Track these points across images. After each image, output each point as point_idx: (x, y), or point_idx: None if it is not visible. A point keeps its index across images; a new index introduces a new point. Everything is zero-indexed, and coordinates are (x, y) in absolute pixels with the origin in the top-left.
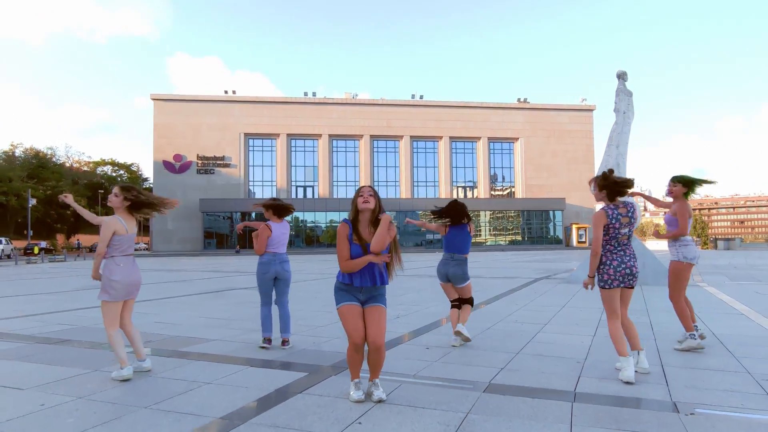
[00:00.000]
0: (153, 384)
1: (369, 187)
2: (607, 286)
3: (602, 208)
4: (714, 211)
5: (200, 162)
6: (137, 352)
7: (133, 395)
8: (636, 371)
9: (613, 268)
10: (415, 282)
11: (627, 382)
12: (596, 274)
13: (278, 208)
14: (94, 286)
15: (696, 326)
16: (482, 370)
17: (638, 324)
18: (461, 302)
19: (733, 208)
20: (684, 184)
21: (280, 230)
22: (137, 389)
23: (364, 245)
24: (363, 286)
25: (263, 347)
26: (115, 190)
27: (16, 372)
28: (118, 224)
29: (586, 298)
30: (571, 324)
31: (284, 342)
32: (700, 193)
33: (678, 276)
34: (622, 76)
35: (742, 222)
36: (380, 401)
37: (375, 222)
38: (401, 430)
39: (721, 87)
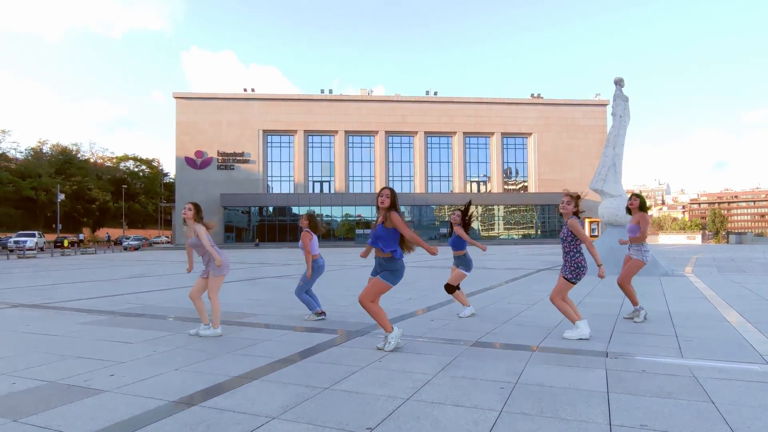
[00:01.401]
0: (226, 341)
1: (387, 188)
2: (576, 280)
3: (576, 219)
4: (734, 205)
5: (221, 158)
6: (214, 320)
7: (215, 347)
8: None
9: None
10: (428, 272)
11: (583, 339)
12: (575, 269)
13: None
14: (139, 275)
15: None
16: (472, 333)
17: (608, 305)
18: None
19: (754, 201)
20: (640, 201)
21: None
22: (216, 343)
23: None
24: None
25: (321, 319)
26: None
27: (119, 334)
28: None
29: (580, 284)
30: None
31: (321, 313)
32: (718, 187)
33: (634, 270)
34: (619, 83)
35: (762, 216)
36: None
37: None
38: (408, 365)
39: (744, 80)
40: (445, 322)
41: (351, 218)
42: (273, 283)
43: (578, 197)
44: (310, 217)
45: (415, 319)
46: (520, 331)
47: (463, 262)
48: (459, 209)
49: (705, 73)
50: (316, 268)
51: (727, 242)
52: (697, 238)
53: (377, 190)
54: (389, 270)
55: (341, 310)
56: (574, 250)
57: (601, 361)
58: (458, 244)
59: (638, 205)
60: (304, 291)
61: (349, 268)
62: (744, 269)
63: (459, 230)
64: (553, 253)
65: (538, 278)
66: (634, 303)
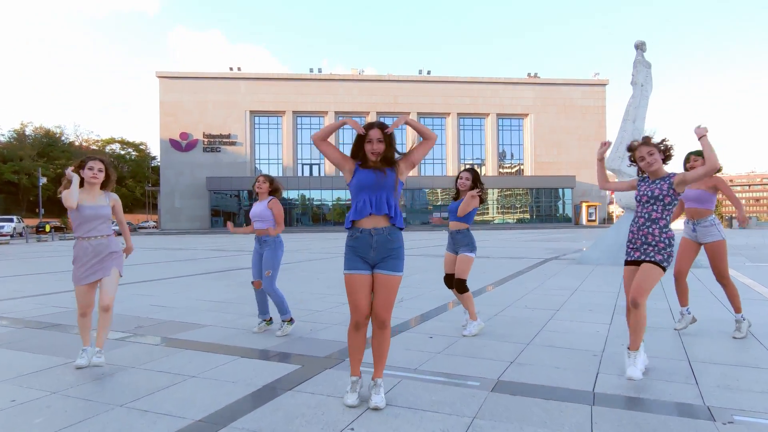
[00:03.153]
0: (135, 377)
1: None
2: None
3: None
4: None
5: (206, 140)
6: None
7: (110, 391)
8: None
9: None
10: (421, 261)
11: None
12: (670, 248)
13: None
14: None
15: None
16: (490, 364)
17: (654, 309)
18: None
19: (749, 185)
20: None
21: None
22: (117, 383)
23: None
24: (374, 228)
25: (282, 332)
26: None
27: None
28: None
29: (598, 280)
30: (584, 310)
31: (291, 320)
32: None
33: (725, 255)
34: (640, 47)
35: (758, 200)
36: (376, 409)
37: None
38: None
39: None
40: (449, 342)
41: (342, 202)
42: (244, 276)
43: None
44: (271, 178)
45: (408, 336)
46: (556, 358)
47: (468, 241)
48: (468, 170)
49: (702, 52)
50: (280, 245)
51: (730, 227)
52: None
53: None
54: (399, 249)
55: (315, 317)
56: (667, 218)
57: (710, 429)
58: (464, 215)
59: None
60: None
61: (335, 256)
62: None
63: (471, 199)
64: (553, 239)
65: (549, 270)
66: (737, 309)
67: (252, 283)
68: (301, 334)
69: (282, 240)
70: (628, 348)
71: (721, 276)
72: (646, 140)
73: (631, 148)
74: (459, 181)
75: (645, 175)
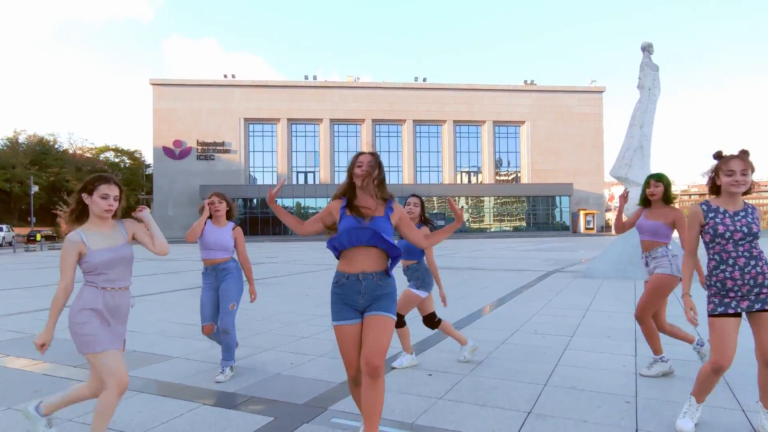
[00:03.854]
0: None
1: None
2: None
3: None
4: (745, 196)
5: (200, 148)
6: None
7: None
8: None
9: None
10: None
11: None
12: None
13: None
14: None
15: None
16: (503, 415)
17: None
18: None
19: (744, 193)
20: (665, 186)
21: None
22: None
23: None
24: (363, 273)
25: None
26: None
27: None
28: None
29: (609, 297)
30: (602, 336)
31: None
32: (696, 179)
33: (661, 292)
34: (647, 48)
35: None
36: None
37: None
38: None
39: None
40: (452, 381)
41: None
42: None
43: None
44: (227, 198)
45: (404, 374)
46: (581, 405)
47: (417, 276)
48: (415, 195)
49: (697, 62)
50: (240, 272)
51: None
52: None
53: None
54: (391, 294)
55: (299, 347)
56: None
57: None
58: (410, 250)
59: (662, 193)
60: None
61: (328, 268)
62: None
63: (417, 234)
64: (552, 248)
65: (554, 285)
66: (657, 350)
67: (202, 331)
68: (281, 370)
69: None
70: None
71: (640, 313)
72: (745, 154)
73: (718, 156)
74: (407, 207)
75: (712, 204)
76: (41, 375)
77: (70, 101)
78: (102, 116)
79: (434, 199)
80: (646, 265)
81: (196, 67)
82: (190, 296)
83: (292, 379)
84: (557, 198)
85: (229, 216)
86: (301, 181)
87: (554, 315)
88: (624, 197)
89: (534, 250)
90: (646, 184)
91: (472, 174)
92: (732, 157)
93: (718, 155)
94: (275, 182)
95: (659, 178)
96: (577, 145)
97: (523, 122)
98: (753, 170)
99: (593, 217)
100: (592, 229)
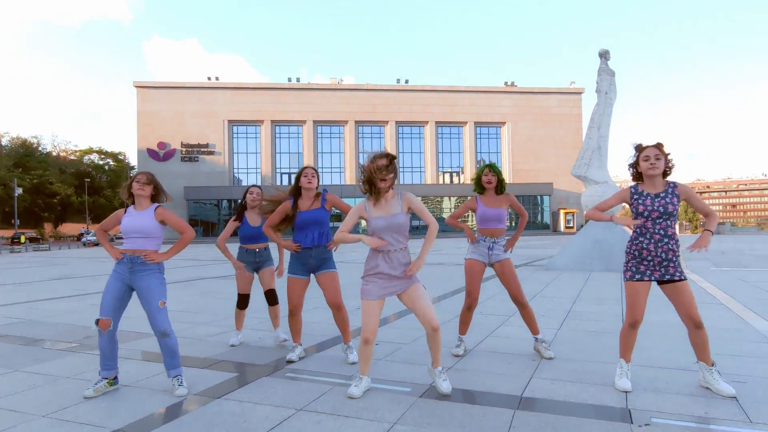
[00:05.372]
0: (66, 387)
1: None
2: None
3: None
4: (706, 195)
5: (184, 150)
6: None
7: (37, 401)
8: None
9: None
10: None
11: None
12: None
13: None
14: (63, 276)
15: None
16: (425, 369)
17: (601, 312)
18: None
19: (725, 191)
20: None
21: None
22: (46, 393)
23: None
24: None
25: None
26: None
27: None
28: None
29: (560, 286)
30: (537, 316)
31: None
32: (690, 177)
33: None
34: (604, 55)
35: (734, 206)
36: (353, 363)
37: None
38: None
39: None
40: (393, 348)
41: None
42: (208, 286)
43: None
44: (155, 180)
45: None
46: (494, 363)
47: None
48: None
49: (679, 63)
50: (163, 268)
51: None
52: None
53: (347, 182)
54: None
55: (266, 325)
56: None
57: (624, 431)
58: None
59: (497, 182)
60: None
61: None
62: (743, 263)
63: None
64: (529, 245)
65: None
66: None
67: (96, 323)
68: (250, 341)
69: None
70: (703, 363)
71: (520, 296)
72: (659, 144)
73: (638, 148)
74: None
75: (638, 188)
76: (41, 348)
77: (52, 104)
78: (85, 118)
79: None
80: (489, 249)
81: (179, 68)
82: (170, 289)
83: (258, 350)
84: (538, 197)
85: (155, 199)
86: (285, 182)
87: (505, 300)
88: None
89: (515, 248)
90: (481, 172)
91: (454, 174)
92: (647, 146)
93: (638, 147)
94: (260, 183)
95: (492, 168)
96: (557, 145)
97: (503, 123)
98: (666, 156)
99: (573, 216)
100: (572, 227)
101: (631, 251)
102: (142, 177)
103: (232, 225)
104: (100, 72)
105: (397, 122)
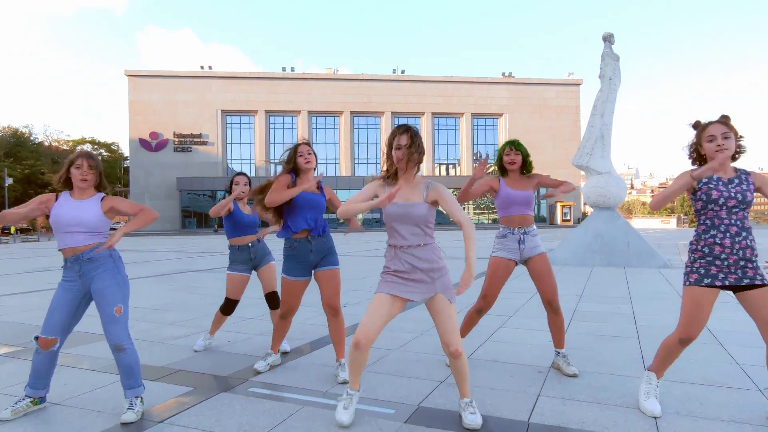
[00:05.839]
0: None
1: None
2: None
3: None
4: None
5: (177, 140)
6: None
7: None
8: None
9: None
10: (362, 265)
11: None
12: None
13: None
14: (43, 268)
15: None
16: (416, 384)
17: (614, 314)
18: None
19: None
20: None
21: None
22: None
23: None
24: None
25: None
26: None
27: None
28: None
29: (562, 283)
30: (539, 317)
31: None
32: (675, 173)
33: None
34: (608, 39)
35: None
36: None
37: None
38: None
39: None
40: (379, 355)
41: None
42: (188, 280)
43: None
44: (95, 160)
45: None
46: (495, 376)
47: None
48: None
49: (676, 56)
50: (120, 260)
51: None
52: (672, 222)
53: (342, 173)
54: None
55: (239, 327)
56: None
57: None
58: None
59: (521, 163)
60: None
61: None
62: None
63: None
64: None
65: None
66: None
67: (36, 340)
68: (218, 345)
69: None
70: None
71: (554, 300)
72: (726, 118)
73: (697, 126)
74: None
75: (699, 171)
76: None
77: (45, 93)
78: (78, 108)
79: None
80: (520, 243)
81: (174, 58)
82: (148, 283)
83: (224, 356)
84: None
85: (99, 188)
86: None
87: (502, 298)
88: (484, 165)
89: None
90: (502, 151)
91: (450, 166)
92: (710, 123)
93: (696, 125)
94: (253, 174)
95: (516, 146)
96: (554, 137)
97: (501, 114)
98: (736, 134)
99: (570, 209)
100: (569, 220)
101: (699, 248)
102: (84, 161)
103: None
104: (95, 62)
105: (392, 113)
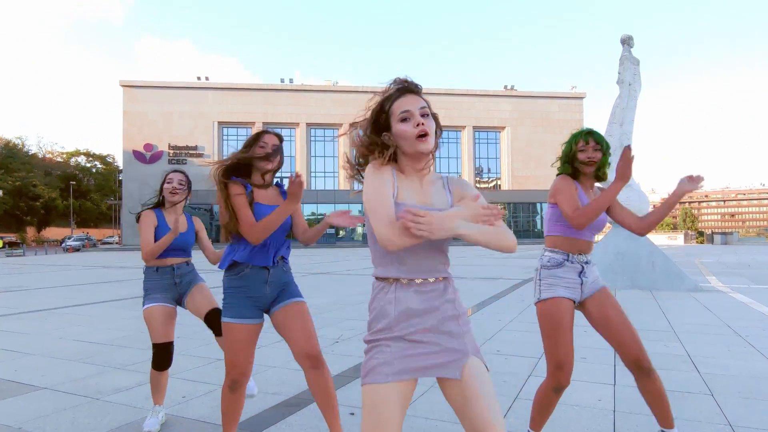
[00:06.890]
0: None
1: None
2: None
3: None
4: (704, 204)
5: (172, 152)
6: None
7: None
8: None
9: None
10: (361, 285)
11: None
12: None
13: None
14: (17, 287)
15: None
16: None
17: (666, 355)
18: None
19: (724, 201)
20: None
21: None
22: None
23: None
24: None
25: None
26: None
27: None
28: None
29: None
30: (576, 359)
31: None
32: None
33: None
34: (627, 42)
35: (732, 215)
36: None
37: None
38: None
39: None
40: None
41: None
42: None
43: None
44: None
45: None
46: None
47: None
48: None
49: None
50: None
51: (712, 243)
52: (678, 239)
53: (341, 187)
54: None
55: (200, 375)
56: None
57: None
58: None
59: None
60: None
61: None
62: None
63: None
64: (530, 255)
65: (527, 295)
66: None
67: None
68: (169, 403)
69: None
70: None
71: (642, 356)
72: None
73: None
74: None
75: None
76: None
77: (39, 105)
78: (74, 120)
79: None
80: (581, 275)
81: (171, 69)
82: (115, 308)
83: (174, 422)
84: (538, 205)
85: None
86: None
87: (523, 331)
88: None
89: (514, 257)
90: (575, 143)
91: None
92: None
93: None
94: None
95: (598, 138)
96: (557, 151)
97: (503, 128)
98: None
99: None
100: None
101: None
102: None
103: (150, 223)
104: (91, 73)
105: None
